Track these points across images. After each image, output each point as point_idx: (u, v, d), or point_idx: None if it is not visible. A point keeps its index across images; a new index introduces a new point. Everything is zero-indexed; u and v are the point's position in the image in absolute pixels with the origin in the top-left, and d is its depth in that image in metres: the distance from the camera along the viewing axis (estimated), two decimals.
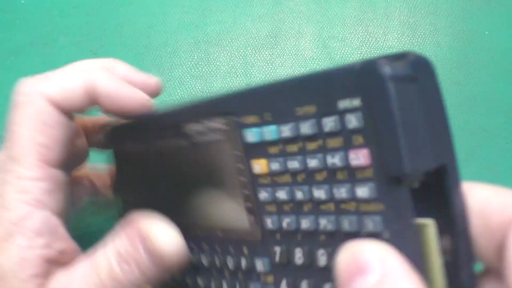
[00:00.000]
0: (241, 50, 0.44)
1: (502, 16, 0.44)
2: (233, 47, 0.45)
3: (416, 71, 0.19)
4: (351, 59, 0.44)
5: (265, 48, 0.45)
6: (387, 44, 0.44)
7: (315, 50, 0.44)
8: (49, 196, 0.25)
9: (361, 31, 0.45)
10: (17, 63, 0.45)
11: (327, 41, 0.44)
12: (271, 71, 0.43)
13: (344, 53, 0.44)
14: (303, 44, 0.45)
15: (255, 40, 0.45)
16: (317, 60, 0.44)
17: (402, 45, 0.44)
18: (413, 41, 0.44)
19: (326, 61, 0.44)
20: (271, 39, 0.45)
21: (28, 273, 0.23)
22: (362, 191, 0.18)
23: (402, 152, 0.18)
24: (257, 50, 0.44)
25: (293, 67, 0.44)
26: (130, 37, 0.44)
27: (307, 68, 0.43)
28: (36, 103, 0.25)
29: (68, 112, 0.26)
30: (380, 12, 0.45)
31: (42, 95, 0.25)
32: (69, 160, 0.27)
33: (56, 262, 0.24)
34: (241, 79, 0.43)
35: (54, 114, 0.25)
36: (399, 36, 0.44)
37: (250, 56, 0.44)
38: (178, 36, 0.44)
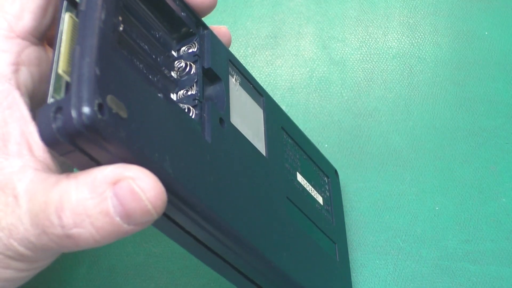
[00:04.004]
0: (241, 51, 0.45)
1: (502, 16, 0.44)
2: (233, 48, 0.45)
3: None
4: (351, 59, 0.44)
5: (265, 48, 0.45)
6: (387, 44, 0.44)
7: (315, 51, 0.44)
8: (13, 69, 0.23)
9: (361, 31, 0.45)
10: None
11: (327, 42, 0.44)
12: (272, 71, 0.44)
13: (344, 54, 0.44)
14: (303, 44, 0.45)
15: (255, 40, 0.45)
16: (317, 60, 0.44)
17: (402, 45, 0.44)
18: (413, 41, 0.44)
19: (326, 62, 0.44)
20: (271, 40, 0.45)
21: None
22: None
23: None
24: (257, 51, 0.45)
25: (293, 68, 0.44)
26: None
27: (307, 69, 0.44)
28: None
29: None
30: (380, 13, 0.45)
31: None
32: (44, 31, 0.25)
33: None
34: None
35: None
36: (399, 36, 0.44)
37: (250, 56, 0.44)
38: None
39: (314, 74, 0.43)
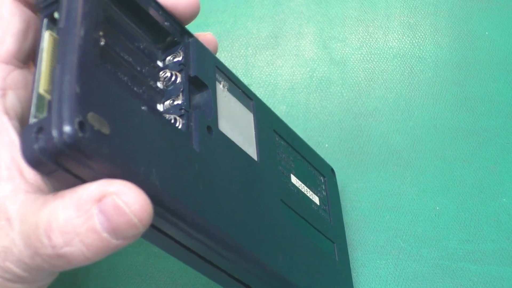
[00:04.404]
0: (242, 51, 0.45)
1: (502, 16, 0.44)
2: (234, 48, 0.45)
3: None
4: (351, 59, 0.44)
5: (265, 48, 0.45)
6: (387, 44, 0.44)
7: (315, 51, 0.44)
8: (0, 94, 0.23)
9: (361, 31, 0.45)
10: None
11: (327, 42, 0.44)
12: (272, 71, 0.44)
13: (345, 54, 0.44)
14: (304, 44, 0.45)
15: (255, 40, 0.45)
16: (318, 60, 0.44)
17: (402, 45, 0.44)
18: (413, 41, 0.44)
19: (326, 62, 0.44)
20: (271, 40, 0.45)
21: None
22: None
23: None
24: (257, 51, 0.45)
25: (294, 68, 0.44)
26: None
27: (308, 69, 0.44)
28: None
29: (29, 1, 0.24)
30: (380, 13, 0.45)
31: None
32: (27, 53, 0.25)
33: None
34: (241, 79, 0.43)
35: (8, 3, 0.24)
36: (399, 36, 0.44)
37: (250, 56, 0.44)
38: None
39: (314, 74, 0.43)
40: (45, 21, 0.22)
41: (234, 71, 0.44)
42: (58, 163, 0.19)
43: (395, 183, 0.38)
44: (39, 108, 0.20)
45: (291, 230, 0.30)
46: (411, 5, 0.45)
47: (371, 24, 0.45)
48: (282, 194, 0.31)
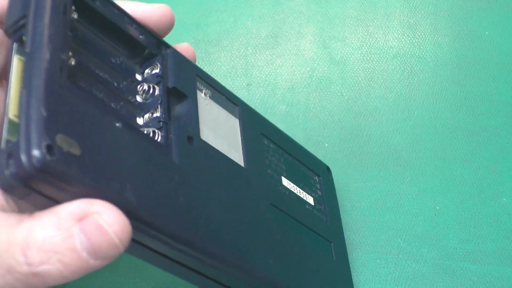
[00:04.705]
0: (242, 50, 0.45)
1: (502, 16, 0.44)
2: (234, 47, 0.45)
3: None
4: (351, 59, 0.44)
5: (265, 48, 0.45)
6: (387, 44, 0.44)
7: (315, 50, 0.44)
8: None
9: (361, 31, 0.45)
10: None
11: (327, 41, 0.44)
12: (272, 71, 0.44)
13: (345, 53, 0.44)
14: (304, 44, 0.45)
15: (255, 40, 0.45)
16: (318, 60, 0.44)
17: (402, 45, 0.44)
18: (413, 41, 0.44)
19: (326, 61, 0.44)
20: (271, 39, 0.45)
21: None
22: None
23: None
24: (257, 50, 0.45)
25: (294, 67, 0.44)
26: None
27: (308, 68, 0.44)
28: None
29: None
30: (380, 12, 0.45)
31: None
32: (1, 75, 0.25)
33: None
34: (241, 79, 0.43)
35: None
36: (399, 36, 0.44)
37: (250, 56, 0.44)
38: (179, 36, 0.44)
39: (314, 74, 0.43)
40: (15, 45, 0.22)
41: (233, 70, 0.44)
42: (30, 187, 0.20)
43: (395, 182, 0.38)
44: (9, 133, 0.21)
45: (282, 233, 0.30)
46: (411, 5, 0.45)
47: (371, 24, 0.45)
48: (272, 197, 0.30)
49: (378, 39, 0.44)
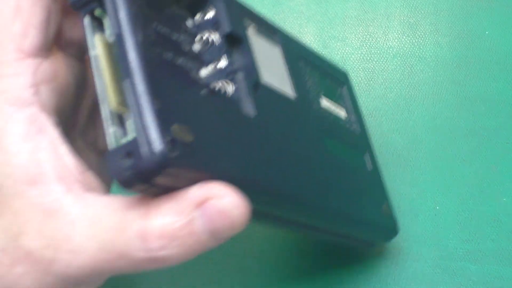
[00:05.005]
0: None
1: (502, 16, 0.44)
2: None
3: None
4: (351, 58, 0.44)
5: None
6: (387, 44, 0.44)
7: (315, 50, 0.44)
8: (33, 91, 0.22)
9: (361, 31, 0.45)
10: None
11: (327, 41, 0.44)
12: None
13: (345, 53, 0.44)
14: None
15: None
16: None
17: (402, 44, 0.44)
18: (413, 41, 0.44)
19: None
20: None
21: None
22: None
23: None
24: None
25: None
26: None
27: None
28: None
29: None
30: (380, 12, 0.45)
31: None
32: (52, 42, 0.24)
33: None
34: None
35: None
36: (399, 36, 0.44)
37: None
38: None
39: None
40: (87, 20, 0.21)
41: None
42: (154, 183, 0.19)
43: (395, 182, 0.38)
44: (114, 126, 0.20)
45: (333, 160, 0.29)
46: (411, 5, 0.45)
47: (371, 24, 0.45)
48: (318, 124, 0.29)
49: (378, 39, 0.44)
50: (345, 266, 0.36)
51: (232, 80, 0.24)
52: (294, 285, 0.36)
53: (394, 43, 0.44)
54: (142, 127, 0.19)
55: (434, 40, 0.44)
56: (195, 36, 0.25)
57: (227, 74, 0.24)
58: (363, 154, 0.33)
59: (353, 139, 0.33)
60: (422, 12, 0.45)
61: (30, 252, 0.21)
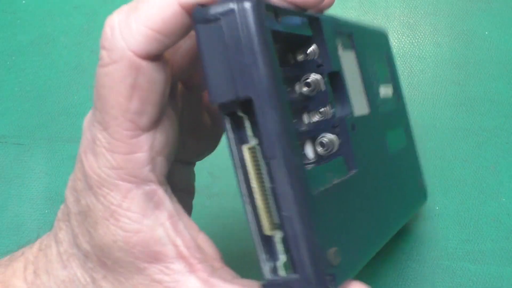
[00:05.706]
0: None
1: (502, 16, 0.44)
2: None
3: (218, 12, 0.19)
4: None
5: None
6: None
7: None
8: (151, 167, 0.21)
9: None
10: (17, 63, 0.45)
11: None
12: None
13: None
14: None
15: None
16: None
17: (402, 45, 0.44)
18: (413, 41, 0.44)
19: None
20: None
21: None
22: None
23: (208, 86, 0.19)
24: None
25: None
26: None
27: None
28: (121, 63, 0.20)
29: (162, 51, 0.21)
30: (380, 13, 0.45)
31: (127, 50, 0.20)
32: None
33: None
34: None
35: (143, 72, 0.21)
36: (399, 36, 0.44)
37: None
38: None
39: None
40: (228, 124, 0.19)
41: None
42: None
43: None
44: (268, 252, 0.19)
45: (393, 162, 0.28)
46: (411, 5, 0.45)
47: (371, 24, 0.45)
48: (383, 124, 0.27)
49: None
50: None
51: (340, 135, 0.21)
52: None
53: (394, 43, 0.44)
54: (300, 261, 0.18)
55: (434, 40, 0.44)
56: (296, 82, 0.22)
57: (333, 128, 0.22)
58: (403, 128, 0.31)
59: (399, 119, 0.30)
60: (422, 12, 0.45)
61: None
